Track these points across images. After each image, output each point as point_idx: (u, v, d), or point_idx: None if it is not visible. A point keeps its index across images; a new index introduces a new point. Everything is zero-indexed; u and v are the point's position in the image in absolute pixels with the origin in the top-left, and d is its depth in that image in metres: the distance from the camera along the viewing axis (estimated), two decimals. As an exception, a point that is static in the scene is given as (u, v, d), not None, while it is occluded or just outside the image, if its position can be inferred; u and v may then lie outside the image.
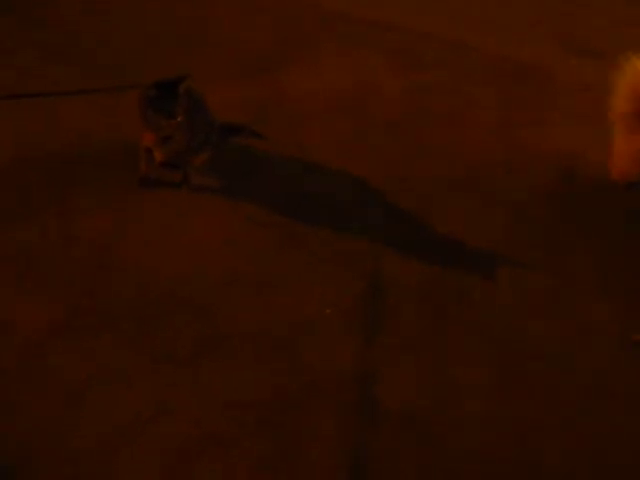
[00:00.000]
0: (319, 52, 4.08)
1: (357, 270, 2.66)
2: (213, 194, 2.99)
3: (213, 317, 2.45)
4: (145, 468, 2.00)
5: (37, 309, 2.43)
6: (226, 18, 4.50)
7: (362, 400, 2.21)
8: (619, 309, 2.56)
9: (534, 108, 3.64)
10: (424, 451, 2.08)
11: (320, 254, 2.72)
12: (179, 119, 2.74)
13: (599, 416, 2.21)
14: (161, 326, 2.41)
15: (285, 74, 3.86)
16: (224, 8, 4.61)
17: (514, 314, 2.53)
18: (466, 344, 2.41)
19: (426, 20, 4.53)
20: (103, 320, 2.42)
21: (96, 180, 3.01)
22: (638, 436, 2.16)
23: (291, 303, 2.52)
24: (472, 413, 2.19)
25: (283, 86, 3.75)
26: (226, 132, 3.16)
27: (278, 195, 3.00)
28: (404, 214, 2.95)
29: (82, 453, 2.02)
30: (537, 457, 2.08)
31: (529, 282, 2.65)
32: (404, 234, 2.86)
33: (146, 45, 4.06)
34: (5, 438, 2.04)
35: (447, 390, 2.26)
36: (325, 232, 2.81)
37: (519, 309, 2.55)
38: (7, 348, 2.30)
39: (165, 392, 2.20)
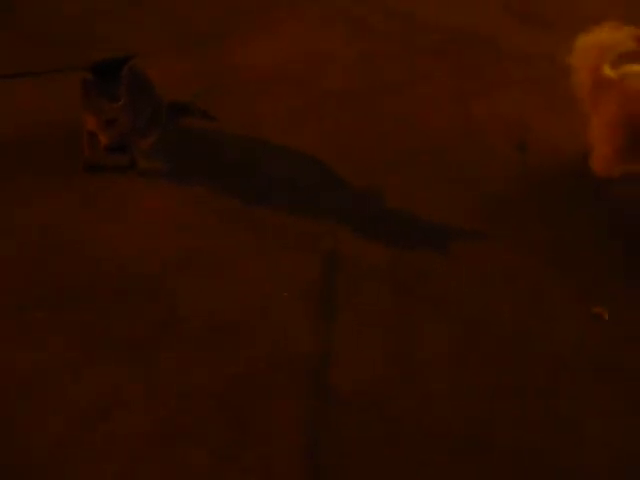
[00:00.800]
0: (268, 21, 3.98)
1: (314, 251, 2.62)
2: (162, 177, 2.92)
3: (166, 302, 2.42)
4: (100, 462, 1.97)
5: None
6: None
7: (321, 383, 2.19)
8: (579, 282, 2.56)
9: (484, 78, 3.60)
10: (385, 432, 2.07)
11: (275, 235, 2.67)
12: (122, 101, 2.66)
13: (561, 390, 2.21)
14: (113, 313, 2.37)
15: (233, 45, 3.74)
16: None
17: (475, 290, 2.52)
18: (427, 322, 2.39)
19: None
20: (52, 308, 2.37)
21: (42, 164, 2.93)
22: (599, 410, 2.16)
23: (246, 286, 2.48)
24: (435, 392, 2.18)
25: (231, 58, 3.63)
26: (174, 112, 3.08)
27: (229, 175, 2.93)
28: (361, 190, 2.91)
29: (33, 447, 1.99)
30: (501, 434, 2.08)
31: (489, 257, 2.63)
32: (361, 211, 2.82)
33: (84, 18, 3.91)
34: None
35: (409, 369, 2.25)
36: (279, 213, 2.77)
37: (480, 285, 2.53)
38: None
39: (119, 382, 2.16)
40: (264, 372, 2.22)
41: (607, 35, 2.72)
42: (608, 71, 2.76)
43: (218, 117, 3.15)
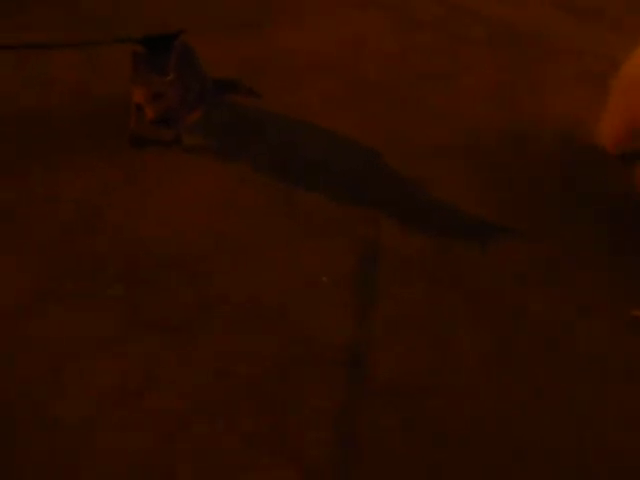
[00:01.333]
0: (313, 7, 3.98)
1: (352, 237, 2.61)
2: (206, 154, 2.91)
3: (204, 284, 2.40)
4: (130, 438, 1.96)
5: (20, 272, 2.37)
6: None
7: (355, 373, 2.18)
8: (619, 282, 2.53)
9: (532, 72, 3.58)
10: (417, 426, 2.05)
11: (315, 219, 2.66)
12: (172, 76, 2.66)
13: (597, 392, 2.18)
14: (149, 293, 2.35)
15: (277, 29, 3.76)
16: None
17: (512, 284, 2.50)
18: (463, 314, 2.37)
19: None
20: (89, 286, 2.35)
21: (82, 138, 2.92)
22: (636, 414, 2.14)
23: (284, 270, 2.47)
24: (469, 387, 2.16)
25: (276, 41, 3.65)
26: (220, 89, 3.07)
27: (272, 156, 2.93)
28: (400, 180, 2.89)
29: (62, 423, 1.98)
30: (534, 435, 2.06)
31: (527, 251, 2.61)
32: (400, 200, 2.80)
33: None
34: None
35: (444, 362, 2.23)
36: (320, 197, 2.75)
37: (517, 279, 2.51)
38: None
39: (152, 362, 2.15)
40: (300, 358, 2.20)
41: None
42: None
43: (263, 95, 3.14)
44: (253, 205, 2.70)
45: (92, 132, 2.94)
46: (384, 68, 3.56)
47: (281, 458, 1.94)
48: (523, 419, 2.09)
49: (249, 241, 2.56)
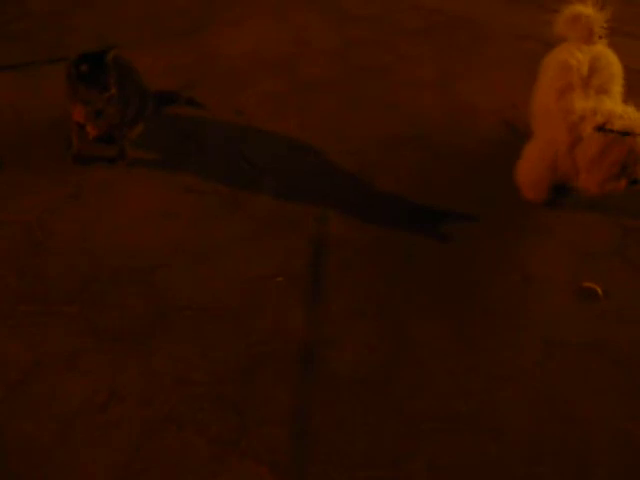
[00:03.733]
0: (249, 11, 3.98)
1: (302, 234, 2.64)
2: (150, 166, 2.92)
3: (159, 291, 2.42)
4: (100, 449, 1.98)
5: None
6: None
7: (315, 367, 2.21)
8: (569, 257, 2.59)
9: (469, 60, 3.62)
10: (383, 412, 2.10)
11: (263, 220, 2.69)
12: (111, 91, 2.65)
13: (554, 366, 2.24)
14: (105, 306, 2.37)
15: (213, 35, 3.77)
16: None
17: (464, 269, 2.55)
18: (417, 303, 2.42)
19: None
20: (44, 304, 2.37)
21: (26, 159, 2.91)
22: (591, 385, 2.20)
23: (237, 271, 2.50)
24: (429, 372, 2.21)
25: (213, 48, 3.66)
26: (160, 101, 3.08)
27: (217, 162, 2.94)
28: (346, 173, 2.93)
29: (31, 440, 2.00)
30: (496, 414, 2.11)
31: (476, 239, 2.65)
32: (348, 194, 2.83)
33: (61, 11, 3.92)
34: None
35: (402, 351, 2.27)
36: (268, 198, 2.78)
37: (468, 264, 2.57)
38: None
39: (115, 375, 2.17)
40: (260, 358, 2.23)
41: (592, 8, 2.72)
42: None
43: (205, 105, 3.18)
44: (202, 212, 2.72)
45: (33, 154, 2.94)
46: (325, 65, 3.58)
47: (249, 457, 1.98)
48: (490, 399, 2.14)
49: (201, 247, 2.58)
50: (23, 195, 2.76)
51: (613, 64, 2.67)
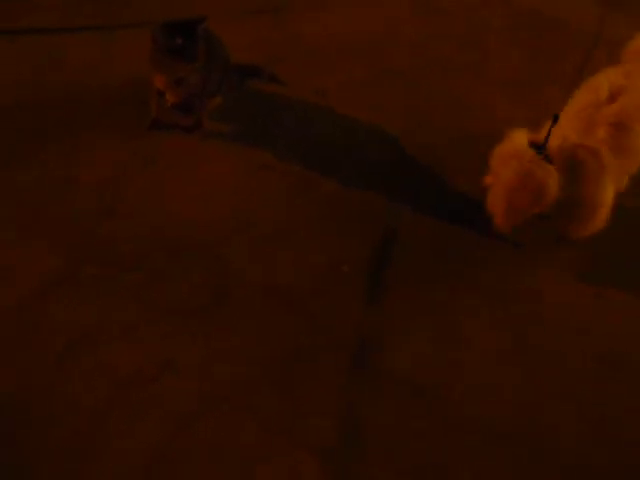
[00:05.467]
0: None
1: (372, 224, 2.61)
2: (226, 140, 2.91)
3: (222, 268, 2.42)
4: (147, 422, 1.99)
5: (38, 255, 2.40)
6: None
7: (368, 363, 2.19)
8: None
9: (558, 62, 3.53)
10: (429, 420, 2.07)
11: (334, 205, 2.66)
12: (197, 63, 2.66)
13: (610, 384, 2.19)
14: (168, 277, 2.38)
15: (301, 15, 3.73)
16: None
17: (526, 274, 2.50)
18: (480, 308, 2.37)
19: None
20: (107, 269, 2.38)
21: (102, 122, 2.93)
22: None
23: (303, 254, 2.48)
24: (485, 381, 2.17)
25: (298, 27, 3.62)
26: (242, 75, 3.07)
27: (293, 142, 2.92)
28: (419, 167, 2.87)
29: (79, 406, 2.02)
30: (551, 431, 2.07)
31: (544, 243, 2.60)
32: (419, 188, 2.78)
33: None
34: (3, 382, 2.06)
35: (460, 356, 2.24)
36: (339, 183, 2.74)
37: (531, 268, 2.52)
38: (6, 295, 2.28)
39: (170, 348, 2.18)
40: (316, 346, 2.22)
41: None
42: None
43: (286, 82, 3.16)
44: (273, 190, 2.70)
45: (111, 116, 2.95)
46: (408, 55, 3.52)
47: (298, 446, 1.97)
48: (545, 414, 2.10)
49: (268, 226, 2.57)
50: (97, 157, 2.78)
51: None
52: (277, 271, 2.41)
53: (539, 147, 2.33)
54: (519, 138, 2.39)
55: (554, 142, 2.34)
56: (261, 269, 2.42)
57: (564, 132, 2.38)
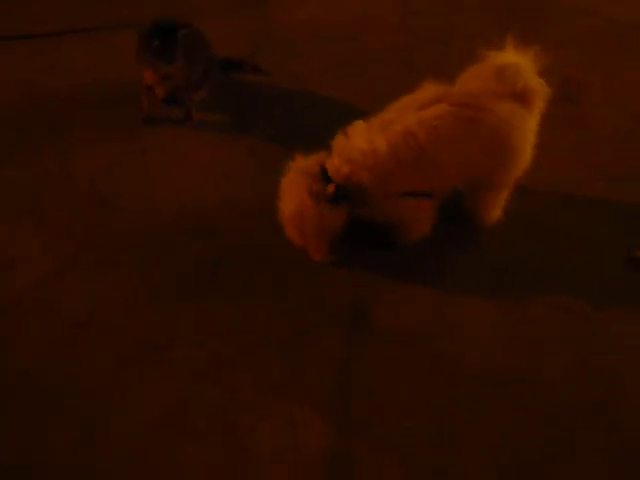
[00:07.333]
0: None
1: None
2: (215, 129, 3.05)
3: (214, 243, 2.54)
4: (151, 391, 2.12)
5: (40, 246, 2.54)
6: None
7: (363, 321, 2.30)
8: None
9: (527, 37, 3.60)
10: (423, 368, 2.17)
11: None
12: (176, 64, 2.82)
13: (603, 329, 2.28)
14: (163, 255, 2.51)
15: (279, 5, 3.88)
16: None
17: (512, 237, 2.57)
18: (464, 267, 2.48)
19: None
20: (107, 254, 2.52)
21: (97, 118, 3.08)
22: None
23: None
24: (476, 335, 2.27)
25: (278, 17, 3.77)
26: (227, 67, 3.23)
27: (279, 128, 3.04)
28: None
29: (86, 379, 2.15)
30: (538, 375, 2.16)
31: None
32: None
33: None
34: (12, 361, 2.20)
35: (450, 311, 2.33)
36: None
37: (518, 232, 2.59)
38: (12, 283, 2.42)
39: (170, 319, 2.31)
40: (310, 307, 2.33)
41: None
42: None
43: (270, 72, 3.30)
44: (259, 170, 2.81)
45: (106, 114, 3.09)
46: (386, 37, 3.64)
47: (295, 401, 2.09)
48: (533, 362, 2.19)
49: (257, 201, 2.66)
50: (93, 151, 2.92)
51: None
52: (268, 244, 2.50)
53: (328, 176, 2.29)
54: (305, 164, 2.35)
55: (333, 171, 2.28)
56: (252, 243, 2.54)
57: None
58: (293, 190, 2.29)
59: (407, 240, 2.48)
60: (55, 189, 2.77)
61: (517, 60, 2.32)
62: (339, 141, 2.32)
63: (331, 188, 2.27)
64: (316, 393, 2.11)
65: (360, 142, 2.26)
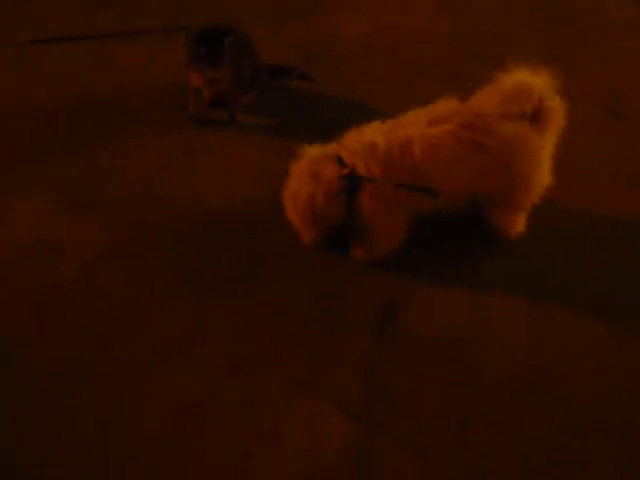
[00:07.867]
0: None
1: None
2: (259, 132, 3.11)
3: (255, 240, 2.59)
4: (181, 385, 2.16)
5: (86, 234, 2.62)
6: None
7: (393, 321, 2.31)
8: None
9: (578, 51, 3.63)
10: (451, 375, 2.17)
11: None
12: (222, 70, 2.91)
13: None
14: (204, 254, 2.56)
15: (331, 16, 3.96)
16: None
17: (546, 248, 2.57)
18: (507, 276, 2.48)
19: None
20: (148, 246, 2.59)
21: (147, 118, 3.18)
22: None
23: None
24: (503, 339, 2.27)
25: (329, 28, 3.84)
26: (274, 74, 3.30)
27: (323, 134, 2.99)
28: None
29: (120, 368, 2.20)
30: (559, 386, 2.15)
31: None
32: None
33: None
34: (57, 347, 2.26)
35: (479, 317, 2.34)
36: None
37: (553, 244, 2.59)
38: (57, 267, 2.50)
39: (205, 314, 2.35)
40: (342, 307, 2.36)
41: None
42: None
43: (318, 79, 3.36)
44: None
45: (155, 114, 3.19)
46: (436, 52, 3.68)
47: (319, 397, 2.11)
48: (562, 372, 2.19)
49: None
50: (142, 150, 3.00)
51: None
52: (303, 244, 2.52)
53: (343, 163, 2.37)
54: (316, 152, 2.44)
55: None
56: (289, 244, 2.54)
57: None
58: (298, 173, 2.38)
59: (369, 251, 2.51)
60: (103, 183, 2.87)
61: (530, 80, 2.32)
62: (350, 134, 2.41)
63: (345, 171, 2.34)
64: (340, 392, 2.13)
65: (366, 137, 2.35)
